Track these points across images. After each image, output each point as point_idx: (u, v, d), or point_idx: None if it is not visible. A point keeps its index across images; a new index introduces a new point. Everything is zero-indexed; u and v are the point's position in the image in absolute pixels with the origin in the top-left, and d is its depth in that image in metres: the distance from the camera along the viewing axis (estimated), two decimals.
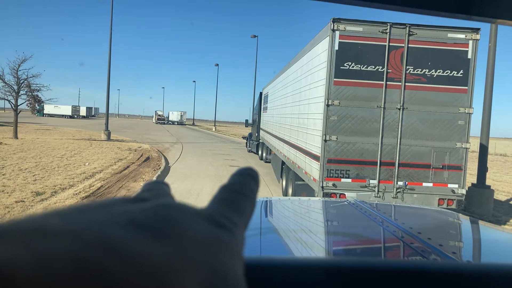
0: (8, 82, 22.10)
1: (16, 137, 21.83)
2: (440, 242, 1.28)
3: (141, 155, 17.37)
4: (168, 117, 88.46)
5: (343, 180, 6.47)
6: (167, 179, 12.04)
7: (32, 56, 23.08)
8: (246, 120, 26.55)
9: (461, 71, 6.37)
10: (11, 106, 22.76)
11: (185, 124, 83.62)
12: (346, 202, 2.15)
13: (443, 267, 0.65)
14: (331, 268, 0.61)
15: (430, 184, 6.53)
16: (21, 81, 22.45)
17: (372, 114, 6.48)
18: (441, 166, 6.51)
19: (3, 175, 10.51)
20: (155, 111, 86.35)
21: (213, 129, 56.56)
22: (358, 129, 6.47)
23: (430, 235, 1.38)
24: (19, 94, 22.55)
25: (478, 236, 1.82)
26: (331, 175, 6.45)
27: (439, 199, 6.53)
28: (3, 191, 8.64)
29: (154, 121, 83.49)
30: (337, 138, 6.43)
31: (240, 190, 0.38)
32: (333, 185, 6.42)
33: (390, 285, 0.58)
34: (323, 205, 2.31)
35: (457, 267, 0.68)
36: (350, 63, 6.34)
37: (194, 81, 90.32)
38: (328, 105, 6.40)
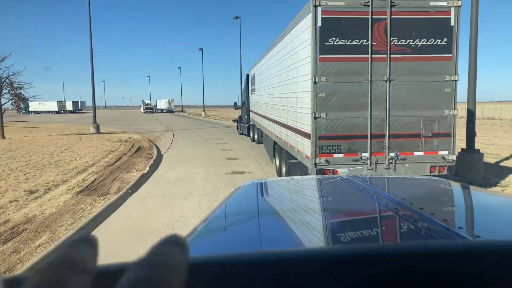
0: None
1: (3, 136, 21.50)
2: (431, 211, 1.32)
3: (132, 146, 17.27)
4: (156, 105, 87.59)
5: (335, 155, 6.53)
6: (160, 167, 12.04)
7: (11, 54, 22.56)
8: (235, 103, 26.41)
9: (445, 39, 6.39)
10: None
11: (174, 111, 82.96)
12: (338, 178, 2.19)
13: (438, 247, 0.67)
14: (330, 258, 0.62)
15: (421, 153, 6.62)
16: (2, 79, 21.98)
17: (359, 88, 6.50)
18: (430, 135, 6.59)
19: None
20: (143, 100, 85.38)
21: (203, 115, 56.24)
22: (346, 104, 6.49)
23: (422, 205, 1.42)
24: (2, 93, 22.11)
25: (469, 202, 1.87)
26: (323, 151, 6.50)
27: (431, 166, 6.65)
28: None
29: (142, 110, 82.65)
30: (326, 115, 6.45)
31: (162, 262, 0.30)
32: (326, 161, 6.48)
33: (387, 268, 0.60)
34: (317, 182, 2.34)
35: (453, 245, 0.71)
36: (334, 38, 6.31)
37: (179, 67, 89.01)
38: (315, 82, 6.39)
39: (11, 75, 22.26)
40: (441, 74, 6.49)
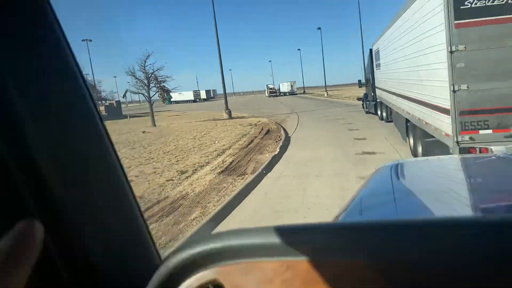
0: (139, 78, 25.20)
1: (154, 125, 24.89)
2: None
3: (262, 129, 18.24)
4: (279, 89, 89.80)
5: (481, 132, 5.92)
6: (290, 148, 12.53)
7: (153, 52, 25.83)
8: (359, 81, 25.48)
9: None
10: (145, 98, 25.94)
11: (296, 94, 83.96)
12: (494, 157, 2.04)
13: None
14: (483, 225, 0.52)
15: None
16: (149, 75, 25.32)
17: (507, 54, 5.74)
18: None
19: (152, 158, 12.25)
20: (267, 85, 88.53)
21: (325, 95, 55.70)
22: (492, 73, 5.81)
23: None
24: (150, 87, 25.52)
25: None
26: (467, 128, 5.97)
27: None
28: (154, 172, 10.11)
29: (266, 94, 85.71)
30: (468, 87, 5.89)
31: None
32: (470, 138, 5.94)
33: None
34: (466, 162, 2.13)
35: None
36: (472, 0, 5.67)
37: (299, 49, 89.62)
38: (451, 52, 5.87)
39: (156, 71, 25.50)
40: None
